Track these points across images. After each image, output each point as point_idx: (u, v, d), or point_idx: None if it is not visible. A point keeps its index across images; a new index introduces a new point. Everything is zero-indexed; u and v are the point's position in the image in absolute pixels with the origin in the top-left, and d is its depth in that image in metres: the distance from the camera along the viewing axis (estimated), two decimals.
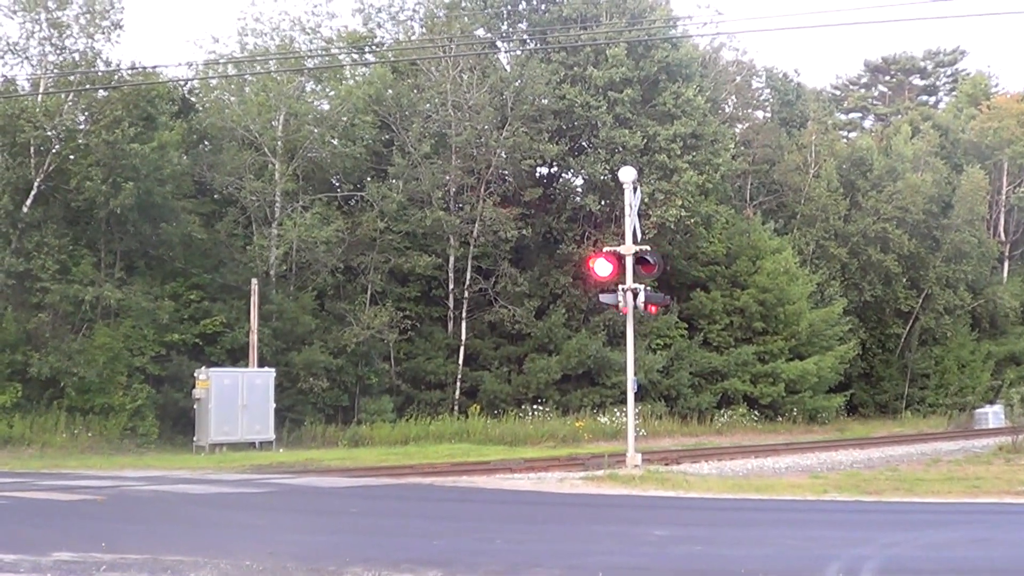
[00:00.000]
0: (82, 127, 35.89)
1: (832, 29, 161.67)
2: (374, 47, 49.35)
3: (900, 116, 77.51)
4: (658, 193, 44.60)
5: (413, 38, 49.01)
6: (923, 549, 13.14)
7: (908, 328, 61.25)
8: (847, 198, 58.26)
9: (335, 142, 42.41)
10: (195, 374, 34.38)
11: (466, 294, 43.65)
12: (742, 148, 56.90)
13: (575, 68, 46.39)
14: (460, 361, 43.22)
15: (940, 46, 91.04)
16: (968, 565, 12.09)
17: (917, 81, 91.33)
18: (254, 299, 36.08)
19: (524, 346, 45.09)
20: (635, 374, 26.92)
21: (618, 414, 41.56)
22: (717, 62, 58.76)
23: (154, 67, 40.37)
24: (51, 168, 34.74)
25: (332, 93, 43.73)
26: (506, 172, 45.75)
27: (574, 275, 45.92)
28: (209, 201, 40.96)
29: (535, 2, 49.85)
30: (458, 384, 42.92)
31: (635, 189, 26.70)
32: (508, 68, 47.53)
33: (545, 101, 45.18)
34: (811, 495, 20.53)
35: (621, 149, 44.67)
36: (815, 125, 60.20)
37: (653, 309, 26.34)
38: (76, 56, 36.19)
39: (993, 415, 53.29)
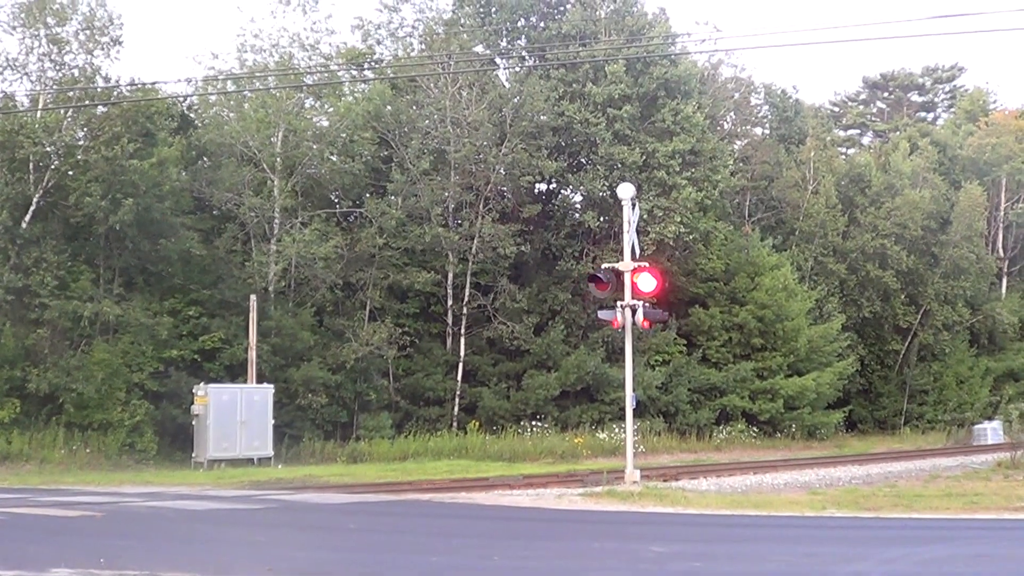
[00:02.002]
0: (81, 143, 35.93)
1: (830, 46, 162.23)
2: (373, 63, 49.42)
3: (898, 132, 77.59)
4: (657, 210, 44.67)
5: (412, 54, 49.10)
6: (921, 565, 13.14)
7: (907, 344, 61.21)
8: (845, 214, 58.29)
9: (334, 158, 42.51)
10: (194, 390, 34.36)
11: (465, 310, 43.67)
12: (741, 164, 56.94)
13: (574, 85, 46.52)
14: (459, 377, 43.20)
15: (938, 62, 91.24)
16: None
17: (915, 97, 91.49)
18: (253, 315, 36.07)
19: (523, 362, 45.06)
20: (634, 390, 26.92)
21: (617, 430, 41.51)
22: (716, 79, 58.83)
23: (153, 83, 40.62)
24: (50, 184, 34.79)
25: (331, 109, 43.80)
26: (505, 188, 45.81)
27: (573, 291, 45.97)
28: (208, 217, 41.00)
29: (534, 19, 50.04)
30: (457, 400, 42.89)
31: (634, 206, 26.74)
32: (507, 85, 47.65)
33: (544, 118, 45.25)
34: (809, 511, 20.52)
35: (620, 166, 44.74)
36: (813, 141, 60.16)
37: (647, 324, 26.31)
38: (75, 72, 36.29)
39: (992, 431, 53.29)
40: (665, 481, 27.50)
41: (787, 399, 49.70)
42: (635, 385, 28.84)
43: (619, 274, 25.81)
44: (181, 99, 42.06)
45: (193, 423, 34.19)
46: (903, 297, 60.04)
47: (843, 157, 69.80)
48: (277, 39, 41.97)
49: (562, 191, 50.11)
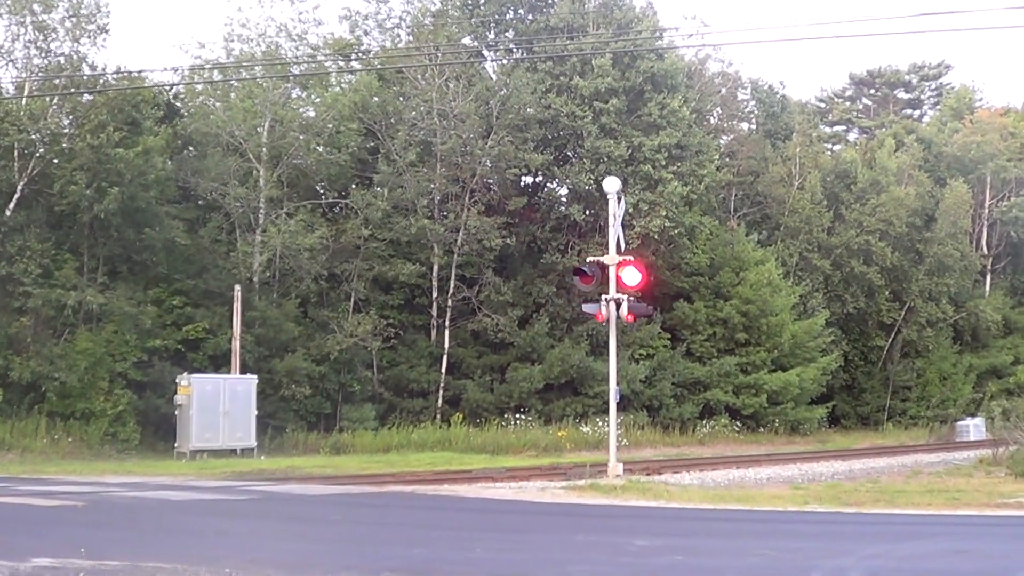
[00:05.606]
0: (67, 131, 35.76)
1: (818, 42, 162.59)
2: (360, 54, 49.33)
3: (884, 129, 77.58)
4: (642, 204, 44.66)
5: (399, 46, 48.98)
6: (903, 561, 13.17)
7: (890, 340, 61.38)
8: (831, 210, 58.36)
9: (320, 149, 42.38)
10: (177, 380, 34.26)
11: (449, 302, 43.63)
12: (727, 159, 57.02)
13: (561, 78, 46.47)
14: (443, 369, 43.20)
15: (925, 60, 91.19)
16: None
17: (902, 94, 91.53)
18: (237, 305, 36.00)
19: (507, 355, 45.07)
20: (617, 384, 26.92)
21: (600, 424, 41.56)
22: (703, 73, 58.87)
23: (139, 72, 40.43)
24: (35, 172, 34.62)
25: (318, 100, 43.73)
26: (491, 181, 45.81)
27: (558, 284, 45.95)
28: (193, 207, 40.89)
29: (522, 11, 49.95)
30: (441, 392, 42.88)
31: (619, 199, 26.73)
32: (494, 77, 47.61)
33: (530, 110, 45.22)
34: (792, 506, 20.57)
35: (606, 159, 44.73)
36: (800, 137, 60.26)
37: (631, 317, 26.36)
38: (61, 60, 36.10)
39: (974, 427, 53.52)
40: (648, 475, 27.53)
41: (771, 394, 49.78)
42: (619, 379, 28.82)
43: (604, 268, 25.81)
44: (167, 88, 41.89)
45: (176, 413, 34.10)
46: (887, 293, 60.23)
47: (829, 153, 69.87)
48: (264, 29, 41.92)
49: (548, 184, 50.10)
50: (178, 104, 42.94)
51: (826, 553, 13.63)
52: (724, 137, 61.52)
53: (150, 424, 35.79)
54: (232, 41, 42.08)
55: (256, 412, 34.90)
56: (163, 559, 11.62)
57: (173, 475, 26.41)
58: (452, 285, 43.64)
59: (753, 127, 65.08)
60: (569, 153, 47.82)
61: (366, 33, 49.20)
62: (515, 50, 49.92)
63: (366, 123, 43.05)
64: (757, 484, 28.46)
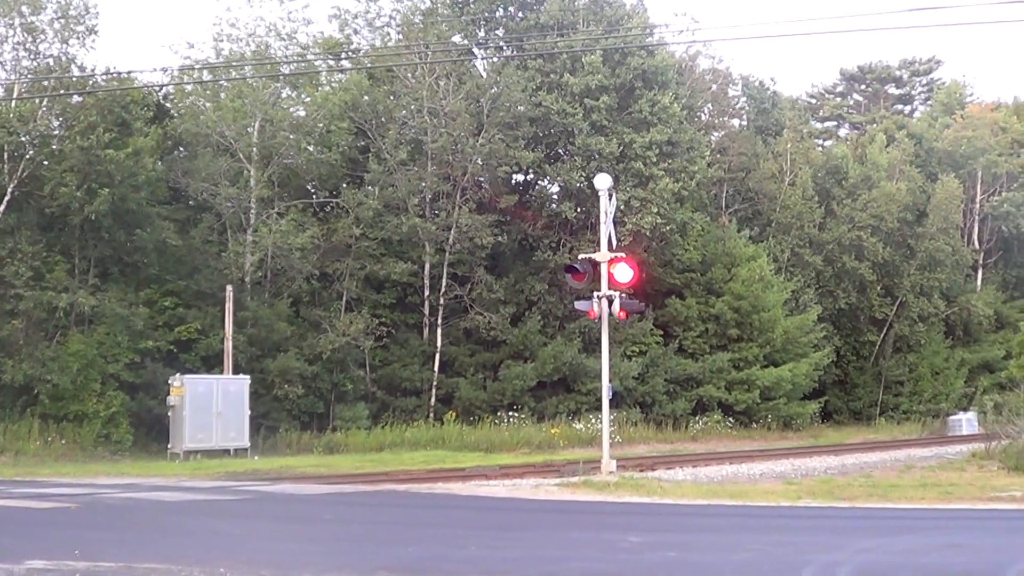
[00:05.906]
0: (56, 133, 35.65)
1: (808, 38, 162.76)
2: (350, 53, 49.28)
3: (875, 125, 77.74)
4: (634, 200, 44.67)
5: (389, 44, 48.91)
6: (896, 555, 13.20)
7: (882, 335, 61.49)
8: (822, 206, 58.46)
9: (311, 148, 42.34)
10: (169, 381, 34.18)
11: (442, 301, 43.59)
12: (718, 156, 57.02)
13: (551, 75, 46.44)
14: (435, 368, 43.16)
15: (916, 55, 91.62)
16: (940, 570, 12.16)
17: (892, 90, 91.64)
18: (229, 306, 35.94)
19: (500, 353, 45.05)
20: (610, 381, 26.94)
21: (593, 421, 41.57)
22: (693, 70, 58.89)
23: (129, 73, 40.31)
24: (25, 174, 34.53)
25: (308, 99, 43.69)
26: (482, 179, 45.80)
27: (550, 282, 45.96)
28: (184, 207, 40.83)
29: (512, 9, 49.94)
30: (434, 391, 42.84)
31: (610, 196, 26.73)
32: (484, 75, 47.56)
33: (521, 108, 45.15)
34: (785, 501, 20.59)
35: (597, 156, 44.76)
36: (791, 133, 60.34)
37: (623, 314, 26.34)
38: (50, 61, 36.05)
39: (967, 422, 53.65)
40: (641, 471, 27.57)
41: (763, 390, 49.89)
42: (612, 376, 28.87)
43: (596, 265, 25.81)
44: (157, 88, 41.84)
45: (169, 414, 34.04)
46: (879, 289, 60.34)
47: (820, 149, 70.02)
48: (254, 28, 41.97)
49: (539, 182, 50.08)
50: (168, 105, 42.88)
51: (819, 548, 13.66)
52: (715, 133, 61.48)
53: (143, 425, 35.75)
54: (221, 41, 42.11)
55: (249, 412, 34.83)
56: (157, 560, 11.62)
57: (166, 476, 26.37)
58: (444, 283, 43.58)
59: (744, 123, 65.16)
60: (560, 150, 47.79)
61: (356, 32, 49.25)
62: (505, 48, 49.95)
63: (356, 122, 43.01)
64: (750, 480, 28.53)
